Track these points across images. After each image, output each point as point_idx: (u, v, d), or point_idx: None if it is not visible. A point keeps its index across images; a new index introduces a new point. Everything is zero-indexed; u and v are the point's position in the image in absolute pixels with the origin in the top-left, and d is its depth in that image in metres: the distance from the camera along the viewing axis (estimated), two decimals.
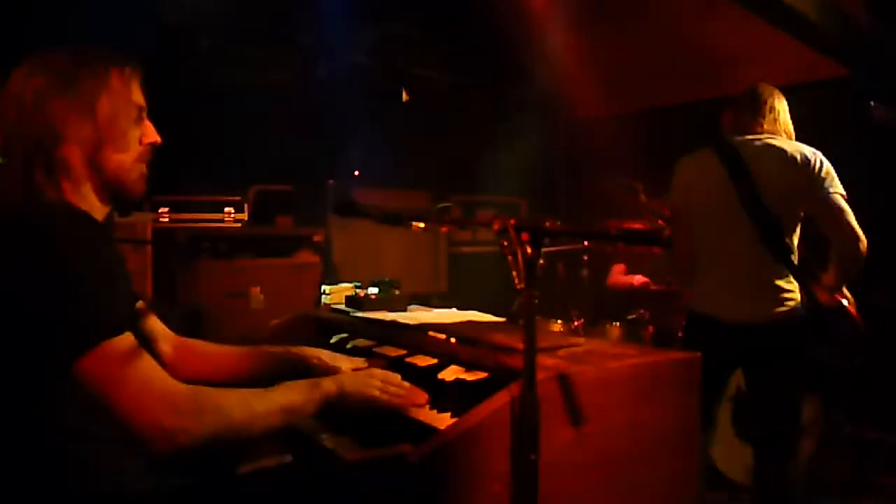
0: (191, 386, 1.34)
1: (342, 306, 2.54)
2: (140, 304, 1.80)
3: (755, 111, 2.80)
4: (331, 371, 1.78)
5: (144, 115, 1.56)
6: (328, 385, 1.52)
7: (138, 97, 1.54)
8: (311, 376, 1.75)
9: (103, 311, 1.30)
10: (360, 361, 1.86)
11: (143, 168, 1.56)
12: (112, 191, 1.52)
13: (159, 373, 1.33)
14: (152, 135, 1.57)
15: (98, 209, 1.52)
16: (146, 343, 1.73)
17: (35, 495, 1.35)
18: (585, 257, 4.86)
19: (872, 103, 2.67)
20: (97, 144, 1.46)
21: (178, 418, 1.27)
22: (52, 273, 1.28)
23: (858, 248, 2.62)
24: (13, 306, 1.29)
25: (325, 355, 1.86)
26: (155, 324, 1.86)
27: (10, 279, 1.29)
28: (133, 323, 1.54)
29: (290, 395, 1.47)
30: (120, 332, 1.30)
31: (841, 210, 2.64)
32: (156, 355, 1.77)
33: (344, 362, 1.84)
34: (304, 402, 1.48)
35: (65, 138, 1.43)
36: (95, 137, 1.46)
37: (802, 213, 2.73)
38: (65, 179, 1.45)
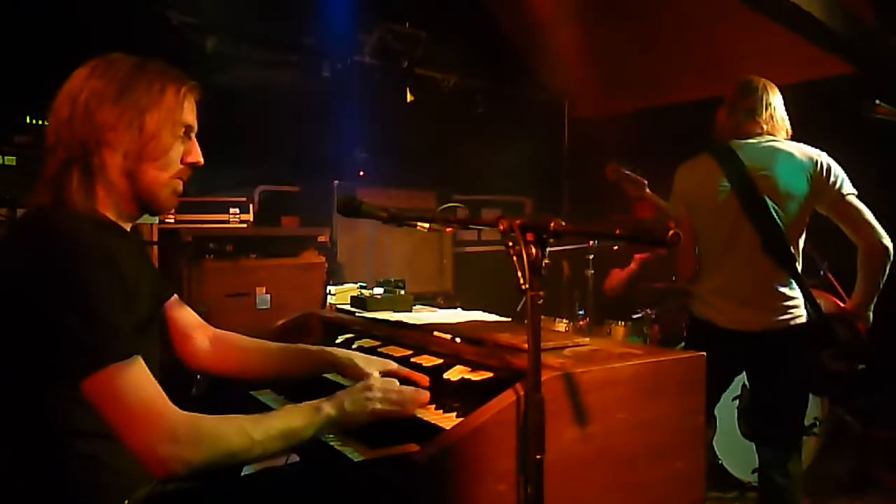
0: (190, 414, 1.33)
1: (347, 306, 2.55)
2: (174, 297, 1.82)
3: (752, 110, 2.73)
4: (362, 375, 1.76)
5: (192, 135, 1.59)
6: (329, 409, 1.50)
7: (189, 117, 1.57)
8: (343, 379, 1.76)
9: (114, 334, 1.31)
10: (393, 365, 1.83)
11: (178, 185, 1.58)
12: (143, 202, 1.54)
13: (161, 400, 1.32)
14: (195, 155, 1.59)
15: (126, 218, 1.55)
16: (180, 337, 1.76)
17: (45, 494, 1.37)
18: (590, 256, 4.85)
19: (877, 101, 2.65)
20: (137, 156, 1.49)
21: (174, 447, 1.27)
22: (68, 289, 1.29)
23: (883, 244, 2.58)
24: (28, 314, 1.30)
25: (359, 359, 1.84)
26: (190, 316, 1.88)
27: (28, 287, 1.30)
28: (150, 334, 1.55)
29: (290, 421, 1.46)
30: (128, 356, 1.31)
31: (857, 210, 2.60)
32: (193, 348, 1.82)
33: (376, 365, 1.81)
34: (304, 426, 1.46)
35: (108, 145, 1.46)
36: (137, 149, 1.48)
37: (808, 218, 2.69)
38: (99, 185, 1.48)
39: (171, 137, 1.53)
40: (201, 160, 1.60)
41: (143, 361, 1.34)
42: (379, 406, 1.56)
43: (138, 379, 1.31)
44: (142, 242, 1.61)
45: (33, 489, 1.37)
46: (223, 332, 1.92)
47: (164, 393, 1.34)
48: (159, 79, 1.52)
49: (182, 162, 1.56)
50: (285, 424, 1.45)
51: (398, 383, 1.66)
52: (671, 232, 1.25)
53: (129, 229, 1.57)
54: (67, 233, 1.35)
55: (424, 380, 1.74)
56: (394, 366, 1.83)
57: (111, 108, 1.45)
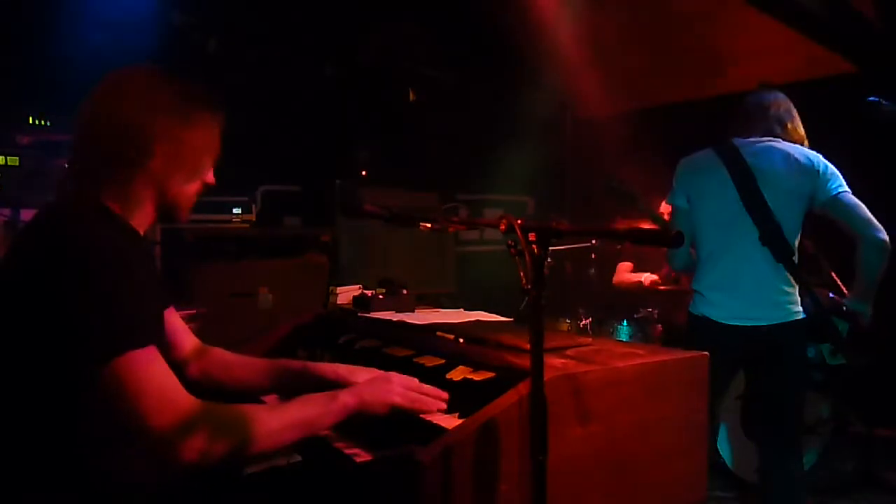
0: (206, 403, 1.35)
1: (350, 307, 2.55)
2: (170, 309, 1.83)
3: (757, 114, 2.81)
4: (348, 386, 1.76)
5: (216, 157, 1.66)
6: (347, 398, 1.51)
7: (219, 140, 1.64)
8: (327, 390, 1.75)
9: (133, 322, 1.33)
10: (379, 373, 1.79)
11: (194, 201, 1.64)
12: (165, 211, 1.60)
13: (178, 388, 1.35)
14: (211, 177, 1.65)
15: (142, 223, 1.58)
16: (170, 347, 1.77)
17: (51, 492, 1.37)
18: (593, 255, 4.85)
19: (881, 100, 2.66)
20: (174, 168, 1.54)
21: (190, 434, 1.28)
22: (90, 281, 1.31)
23: (879, 238, 2.61)
24: (49, 304, 1.31)
25: (343, 370, 1.82)
26: (181, 325, 1.90)
27: (49, 278, 1.32)
28: (160, 334, 1.57)
29: (307, 410, 1.47)
30: (146, 344, 1.33)
31: (855, 205, 2.64)
32: (179, 359, 1.82)
33: (362, 375, 1.79)
34: (320, 415, 1.47)
35: (149, 153, 1.50)
36: (176, 162, 1.53)
37: (805, 216, 2.73)
38: (129, 189, 1.51)
39: (207, 157, 1.60)
40: (213, 181, 1.66)
41: (159, 352, 1.36)
42: (398, 399, 1.56)
43: (156, 367, 1.33)
44: (151, 248, 1.66)
45: (34, 491, 1.37)
46: (210, 347, 1.93)
47: (179, 383, 1.36)
48: (205, 103, 1.58)
49: (202, 182, 1.63)
50: (302, 413, 1.46)
51: (417, 381, 1.66)
52: (675, 231, 1.26)
53: (142, 234, 1.60)
54: (89, 229, 1.38)
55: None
56: (381, 374, 1.79)
57: (160, 119, 1.50)
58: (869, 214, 2.63)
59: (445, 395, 1.63)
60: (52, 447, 1.37)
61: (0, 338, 1.38)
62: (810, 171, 2.66)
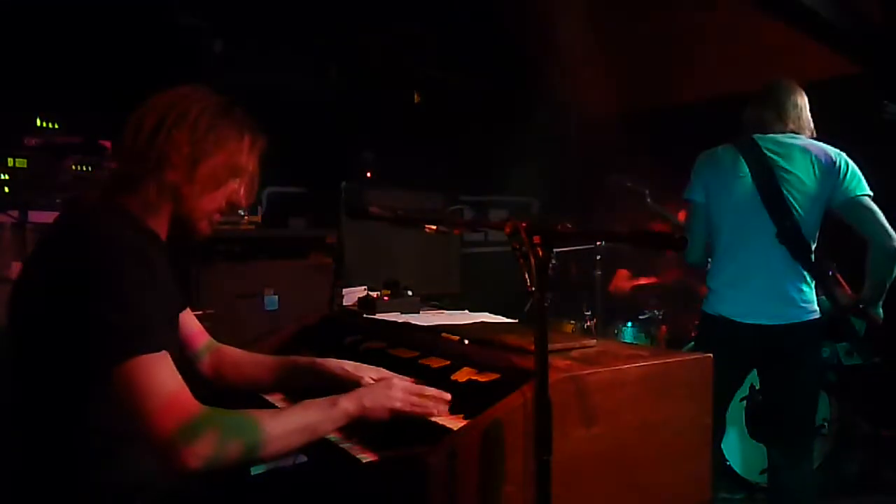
0: (213, 408, 1.37)
1: (355, 308, 2.55)
2: (187, 310, 1.88)
3: (778, 108, 2.77)
4: (354, 382, 1.78)
5: (247, 180, 1.68)
6: (347, 403, 1.52)
7: (251, 165, 1.68)
8: (335, 387, 1.77)
9: (147, 328, 1.35)
10: (385, 372, 1.84)
11: (215, 218, 1.67)
12: (180, 223, 1.62)
13: (186, 394, 1.36)
14: (239, 198, 1.68)
15: (162, 231, 1.61)
16: (186, 347, 1.84)
17: (56, 490, 1.39)
18: (598, 257, 4.84)
19: (886, 101, 2.65)
20: (193, 181, 1.56)
21: (195, 440, 1.30)
22: (109, 284, 1.34)
23: (892, 246, 2.59)
24: (70, 305, 1.34)
25: (350, 366, 1.86)
26: (195, 325, 1.93)
27: (72, 280, 1.35)
28: (175, 334, 1.60)
29: (309, 415, 1.48)
30: (159, 349, 1.35)
31: (870, 210, 2.62)
32: (194, 358, 1.88)
33: (368, 373, 1.83)
34: (322, 420, 1.49)
35: (172, 166, 1.53)
36: (196, 176, 1.56)
37: (823, 215, 2.70)
38: (152, 198, 1.55)
39: (228, 176, 1.62)
40: (244, 203, 1.69)
41: (170, 357, 1.38)
42: (399, 405, 1.57)
43: (165, 372, 1.35)
44: (173, 253, 1.68)
45: (44, 485, 1.39)
46: (221, 345, 1.98)
47: (187, 388, 1.38)
48: (240, 124, 1.64)
49: (227, 200, 1.65)
50: (304, 419, 1.47)
51: (415, 381, 1.68)
52: (678, 235, 1.26)
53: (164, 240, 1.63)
54: (114, 232, 1.41)
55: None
56: (386, 373, 1.83)
57: (190, 135, 1.53)
58: (884, 221, 2.61)
59: (448, 396, 1.64)
60: (62, 444, 1.39)
61: (24, 334, 1.41)
62: (831, 170, 2.63)
